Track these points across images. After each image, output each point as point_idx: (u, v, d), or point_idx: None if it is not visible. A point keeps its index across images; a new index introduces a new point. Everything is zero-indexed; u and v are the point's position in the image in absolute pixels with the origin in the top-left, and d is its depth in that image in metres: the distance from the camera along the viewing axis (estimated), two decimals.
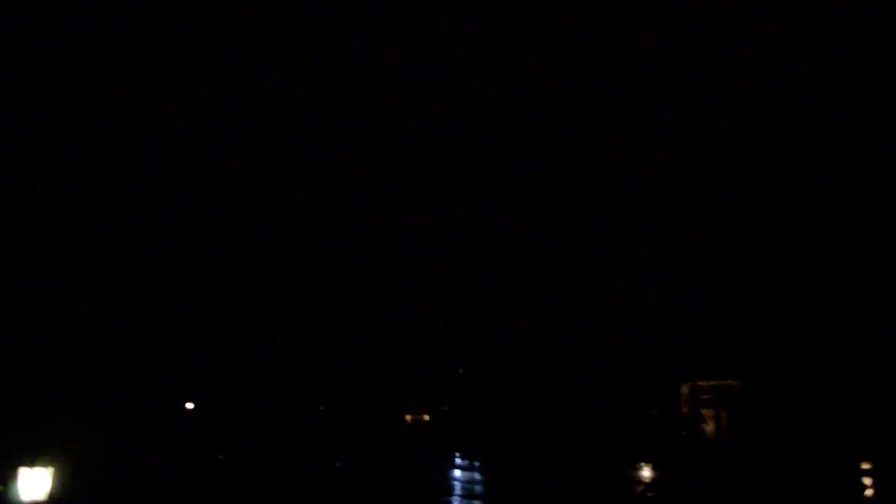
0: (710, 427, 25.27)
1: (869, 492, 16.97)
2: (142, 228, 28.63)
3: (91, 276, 25.04)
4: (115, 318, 25.66)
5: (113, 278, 26.02)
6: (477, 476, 27.24)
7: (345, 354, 36.09)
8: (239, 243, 32.34)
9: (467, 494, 22.19)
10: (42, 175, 25.19)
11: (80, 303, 24.37)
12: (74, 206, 26.36)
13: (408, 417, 44.11)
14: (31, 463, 9.45)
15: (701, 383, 25.17)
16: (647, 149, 25.87)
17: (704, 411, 25.52)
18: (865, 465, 18.65)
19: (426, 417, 44.50)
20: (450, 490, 23.12)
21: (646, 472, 24.82)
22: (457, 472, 28.14)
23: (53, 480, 9.59)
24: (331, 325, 35.49)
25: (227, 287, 30.70)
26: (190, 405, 29.63)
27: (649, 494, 16.47)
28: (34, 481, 9.41)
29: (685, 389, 25.71)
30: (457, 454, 32.95)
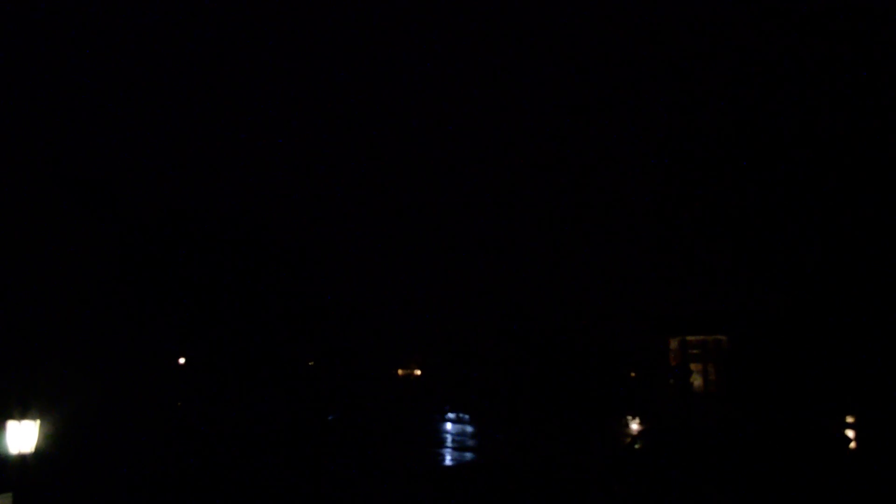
0: (697, 381, 25.54)
1: (852, 444, 17.24)
2: (135, 180, 28.48)
3: (85, 229, 24.81)
4: (110, 273, 25.51)
5: (108, 232, 25.80)
6: (468, 429, 27.52)
7: (337, 311, 36.20)
8: (233, 200, 32.29)
9: (459, 447, 22.43)
10: (52, 133, 25.07)
11: (75, 256, 24.19)
12: (74, 157, 26.19)
13: (399, 371, 44.53)
14: (20, 416, 9.36)
15: (689, 338, 25.35)
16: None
17: (692, 365, 25.77)
18: (849, 419, 18.91)
19: (417, 372, 44.91)
20: (442, 442, 23.37)
21: (634, 425, 25.12)
22: (448, 426, 28.42)
23: (40, 433, 9.52)
24: (323, 281, 35.53)
25: (221, 242, 30.58)
26: (182, 360, 29.73)
27: (637, 446, 16.69)
28: (22, 434, 9.34)
29: (674, 344, 25.88)
30: (447, 408, 33.23)
